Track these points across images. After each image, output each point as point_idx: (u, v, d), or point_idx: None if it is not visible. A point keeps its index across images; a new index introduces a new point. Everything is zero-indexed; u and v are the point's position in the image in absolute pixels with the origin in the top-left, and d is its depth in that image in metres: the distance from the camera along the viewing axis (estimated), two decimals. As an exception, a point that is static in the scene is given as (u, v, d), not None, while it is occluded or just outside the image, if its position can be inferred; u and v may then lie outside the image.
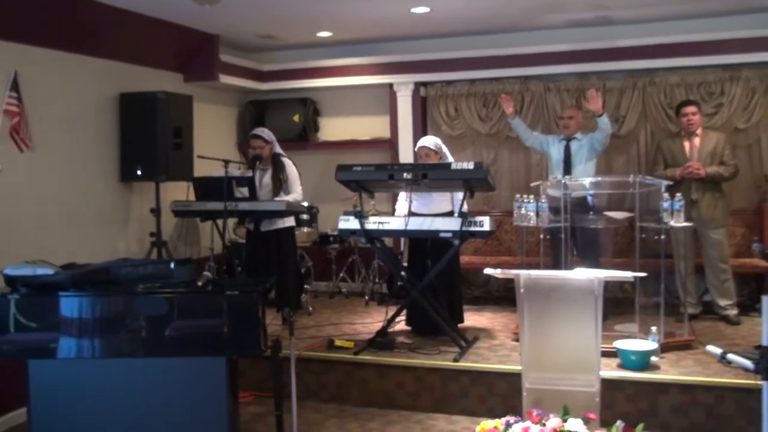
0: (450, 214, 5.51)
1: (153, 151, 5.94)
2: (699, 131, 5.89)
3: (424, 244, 5.58)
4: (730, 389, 4.34)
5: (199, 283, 3.86)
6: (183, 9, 5.65)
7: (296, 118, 7.74)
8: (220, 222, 5.86)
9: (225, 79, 7.12)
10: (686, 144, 5.90)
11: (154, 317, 3.72)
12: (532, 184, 5.70)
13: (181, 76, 6.94)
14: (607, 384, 4.29)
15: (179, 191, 6.22)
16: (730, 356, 3.52)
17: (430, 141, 5.72)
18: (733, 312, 5.87)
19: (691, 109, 5.86)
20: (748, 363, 3.40)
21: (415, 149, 5.80)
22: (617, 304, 6.24)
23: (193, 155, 6.24)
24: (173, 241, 6.71)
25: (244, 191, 5.78)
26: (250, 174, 5.86)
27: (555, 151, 6.03)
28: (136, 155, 5.99)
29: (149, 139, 5.95)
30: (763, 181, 6.39)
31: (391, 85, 7.55)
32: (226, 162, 5.64)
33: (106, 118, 5.95)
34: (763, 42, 6.34)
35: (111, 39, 5.87)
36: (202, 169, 6.06)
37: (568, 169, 5.91)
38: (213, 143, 7.11)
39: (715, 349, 3.62)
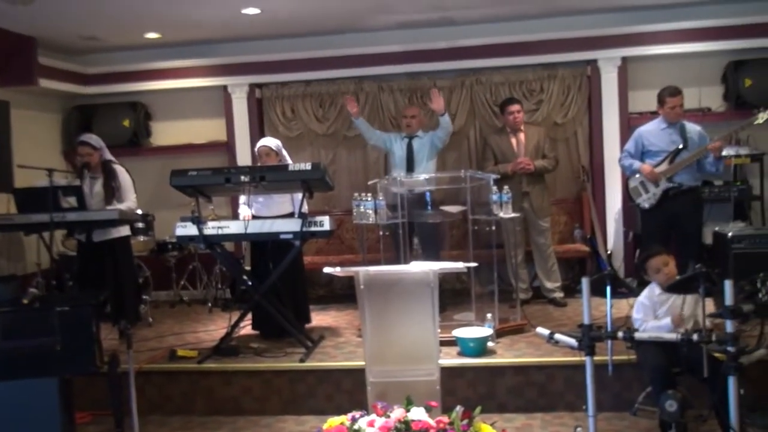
0: (291, 215, 5.52)
1: (-35, 163, 5.51)
2: (522, 127, 6.26)
3: (265, 246, 5.55)
4: (559, 367, 4.66)
5: (25, 301, 3.64)
6: (-7, 9, 5.28)
7: (126, 123, 7.44)
8: (46, 235, 5.51)
9: (45, 83, 6.72)
10: (512, 140, 6.25)
11: (-26, 340, 3.48)
12: (370, 183, 5.81)
13: (-5, 81, 6.48)
14: (448, 372, 4.47)
15: (-2, 204, 5.81)
16: (557, 336, 3.75)
17: (270, 141, 5.72)
18: (559, 294, 6.30)
19: (515, 107, 6.21)
20: (572, 341, 3.64)
21: (256, 148, 5.76)
22: (456, 295, 6.52)
23: (12, 165, 5.85)
24: (-6, 258, 6.26)
25: (72, 201, 5.46)
26: (77, 183, 5.57)
27: (398, 148, 6.19)
28: (-54, 167, 5.52)
29: (-40, 150, 5.51)
30: (581, 171, 6.88)
31: (225, 87, 7.44)
32: (51, 171, 5.30)
33: None
34: (576, 42, 6.86)
35: None
36: (23, 179, 5.68)
37: (411, 166, 6.09)
38: (36, 152, 6.70)
39: (543, 331, 3.85)
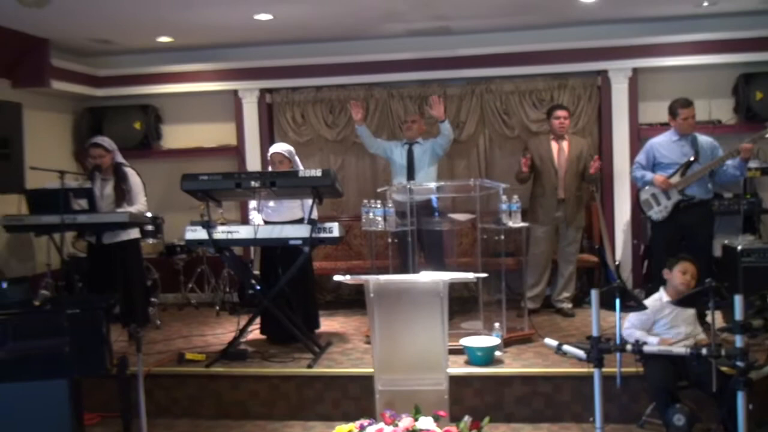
0: (301, 221, 5.53)
1: (-23, 163, 5.54)
2: (567, 135, 6.24)
3: (274, 251, 5.56)
4: (566, 378, 4.65)
5: (36, 303, 3.66)
6: (7, 11, 5.31)
7: (137, 125, 7.47)
8: (57, 236, 5.54)
9: (57, 84, 6.75)
10: (554, 145, 6.20)
11: (-13, 342, 3.50)
12: (379, 190, 5.83)
13: (9, 81, 6.50)
14: (456, 380, 4.48)
15: (9, 205, 5.84)
16: (565, 347, 3.76)
17: (283, 147, 5.73)
18: (568, 305, 6.28)
19: (562, 113, 6.17)
20: (580, 353, 3.65)
21: (269, 155, 5.77)
22: (463, 303, 6.52)
23: (24, 166, 5.87)
24: (4, 258, 6.29)
25: (83, 203, 5.49)
26: (88, 185, 5.60)
27: (398, 155, 6.20)
28: (-42, 168, 5.55)
29: (-28, 150, 5.54)
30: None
31: (236, 92, 7.46)
32: (62, 173, 5.34)
33: None
34: (587, 53, 6.86)
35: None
36: (36, 180, 5.71)
37: (411, 173, 6.09)
38: (47, 153, 6.73)
39: (551, 342, 3.86)
